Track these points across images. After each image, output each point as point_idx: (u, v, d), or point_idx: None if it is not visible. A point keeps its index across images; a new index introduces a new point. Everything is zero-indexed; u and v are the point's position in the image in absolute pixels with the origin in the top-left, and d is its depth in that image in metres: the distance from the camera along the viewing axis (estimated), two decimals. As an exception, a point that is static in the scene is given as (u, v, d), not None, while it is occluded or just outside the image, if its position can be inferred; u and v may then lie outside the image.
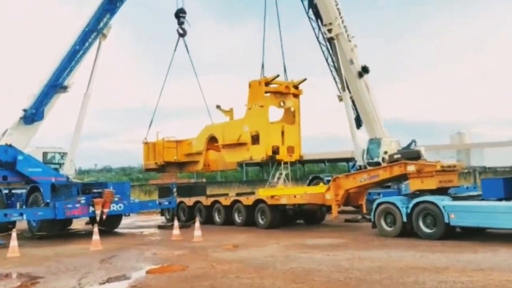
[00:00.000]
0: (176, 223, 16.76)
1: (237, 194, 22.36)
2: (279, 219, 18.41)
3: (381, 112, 25.26)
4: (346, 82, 24.31)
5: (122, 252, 13.57)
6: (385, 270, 9.17)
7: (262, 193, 19.65)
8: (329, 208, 17.62)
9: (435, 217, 13.24)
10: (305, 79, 20.26)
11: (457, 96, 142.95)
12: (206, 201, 21.25)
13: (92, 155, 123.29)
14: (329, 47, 25.06)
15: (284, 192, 19.12)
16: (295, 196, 17.62)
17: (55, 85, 20.67)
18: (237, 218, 19.64)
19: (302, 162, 63.93)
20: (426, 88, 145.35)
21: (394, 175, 15.36)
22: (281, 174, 22.15)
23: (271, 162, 20.14)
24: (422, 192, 14.23)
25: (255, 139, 19.59)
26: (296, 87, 20.25)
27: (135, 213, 20.32)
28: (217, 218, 20.55)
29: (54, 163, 21.71)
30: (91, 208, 17.77)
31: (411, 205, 13.83)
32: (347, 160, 64.88)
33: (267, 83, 19.53)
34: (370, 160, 23.02)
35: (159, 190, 27.57)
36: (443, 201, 13.29)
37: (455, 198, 13.88)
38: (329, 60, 25.61)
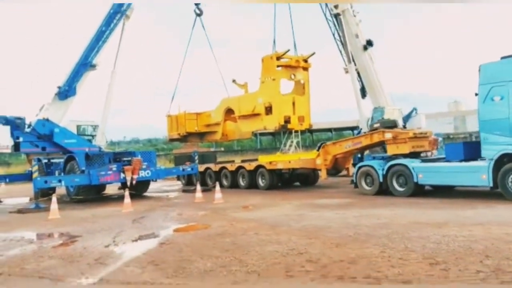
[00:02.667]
0: (198, 187, 16.79)
1: (242, 161, 22.68)
2: (277, 181, 19.62)
3: (384, 82, 24.78)
4: (352, 55, 23.79)
5: (151, 213, 13.65)
6: (391, 226, 9.09)
7: (262, 159, 20.40)
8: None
9: (406, 177, 14.05)
10: (313, 53, 19.88)
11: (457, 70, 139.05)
12: (215, 167, 21.75)
13: (122, 127, 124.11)
14: (335, 22, 24.43)
15: (280, 158, 20.00)
16: (289, 162, 18.75)
17: (85, 64, 20.53)
18: (242, 182, 20.50)
19: (311, 131, 63.70)
20: (428, 63, 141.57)
21: (374, 142, 16.32)
22: (292, 142, 22.10)
23: (283, 131, 19.97)
24: (397, 156, 15.08)
25: (268, 110, 19.40)
26: (305, 60, 19.89)
27: (161, 178, 20.41)
28: (224, 182, 21.26)
29: (87, 135, 21.75)
30: (122, 175, 17.90)
31: (386, 167, 14.62)
32: (352, 128, 64.62)
33: (278, 58, 19.19)
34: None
35: (175, 159, 27.78)
36: (412, 163, 14.07)
37: (424, 160, 14.58)
38: (336, 35, 25.05)
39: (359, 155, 23.91)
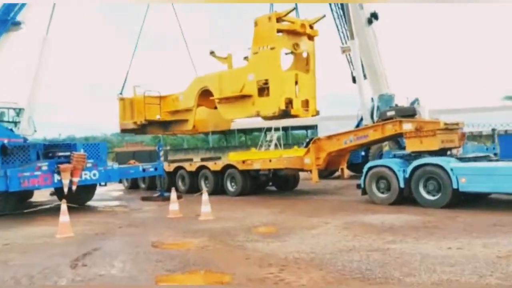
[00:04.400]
0: (173, 194, 11.39)
1: (202, 159, 18.56)
2: (250, 185, 15.27)
3: (388, 67, 20.48)
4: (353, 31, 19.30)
5: (107, 243, 8.20)
6: None
7: (233, 157, 16.79)
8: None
9: (441, 182, 10.32)
10: (323, 16, 14.99)
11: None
12: (168, 167, 16.93)
13: (57, 125, 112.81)
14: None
15: (258, 156, 16.65)
16: (270, 161, 14.63)
17: (4, 20, 14.43)
18: (204, 186, 15.82)
19: (285, 129, 58.82)
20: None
21: (386, 135, 12.51)
22: (272, 137, 17.37)
23: (283, 117, 14.95)
24: (420, 154, 11.39)
25: (264, 90, 14.31)
26: (311, 26, 14.96)
27: (114, 182, 14.70)
28: (181, 185, 16.89)
29: (8, 122, 15.61)
30: (56, 177, 12.22)
31: (410, 168, 10.88)
32: (307, 128, 60.84)
33: (279, 19, 14.14)
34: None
35: (117, 157, 22.33)
36: (450, 163, 10.32)
37: (462, 159, 10.96)
38: (333, 6, 20.45)
39: (362, 153, 19.49)
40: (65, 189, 12.36)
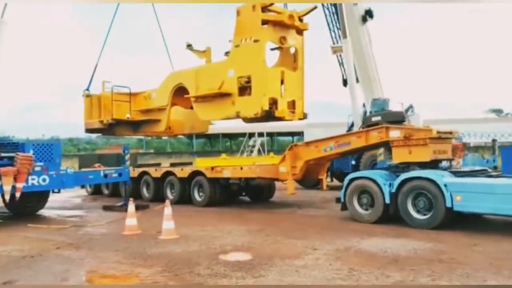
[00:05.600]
0: (131, 206, 9.45)
1: (172, 165, 16.57)
2: (219, 195, 13.52)
3: (381, 70, 18.93)
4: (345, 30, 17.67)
5: (26, 271, 6.27)
6: None
7: (200, 163, 15.18)
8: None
9: (432, 199, 8.78)
10: (314, 7, 13.26)
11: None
12: (133, 172, 14.97)
13: (41, 125, 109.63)
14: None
15: (228, 162, 14.88)
16: (241, 168, 12.88)
17: None
18: (169, 194, 14.35)
19: (270, 134, 56.66)
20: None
21: (371, 143, 10.87)
22: (255, 142, 15.60)
23: (267, 119, 13.16)
24: (408, 166, 9.95)
25: (245, 88, 12.53)
26: (300, 19, 13.23)
27: (68, 188, 12.69)
28: (145, 192, 15.27)
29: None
30: (-4, 182, 10.18)
31: (397, 182, 9.31)
32: (293, 134, 59.01)
33: (264, 9, 12.38)
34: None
35: (80, 161, 20.40)
36: (443, 178, 8.75)
37: (457, 173, 9.27)
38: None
39: (353, 161, 17.77)
40: (6, 197, 10.41)
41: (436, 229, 8.51)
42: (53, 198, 15.68)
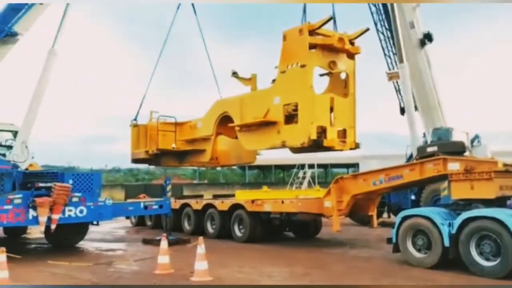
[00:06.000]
0: (164, 243, 8.72)
1: (214, 196, 15.88)
2: (261, 230, 12.59)
3: (443, 96, 17.44)
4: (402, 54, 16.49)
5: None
6: None
7: (240, 196, 14.04)
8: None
9: (501, 244, 7.44)
10: (367, 30, 12.32)
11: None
12: (174, 204, 14.50)
13: (105, 157, 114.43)
14: (380, 6, 17.23)
15: (269, 195, 13.71)
16: (282, 202, 11.80)
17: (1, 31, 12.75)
18: (210, 227, 13.73)
19: (324, 166, 54.83)
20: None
21: (426, 177, 9.67)
22: (305, 174, 14.53)
23: (315, 149, 12.20)
24: (469, 203, 8.61)
25: (291, 116, 11.70)
26: (351, 42, 12.34)
27: (107, 220, 12.22)
28: (186, 225, 14.61)
29: (1, 145, 13.66)
30: (32, 213, 9.90)
31: (458, 222, 8.07)
32: (348, 166, 56.97)
33: (312, 32, 11.62)
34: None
35: (126, 191, 20.09)
36: None
37: None
38: (379, 24, 17.82)
39: (412, 196, 16.20)
40: (42, 228, 10.14)
41: (506, 279, 7.14)
42: (96, 230, 15.52)
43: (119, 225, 18.19)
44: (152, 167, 60.52)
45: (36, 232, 14.25)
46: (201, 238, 7.94)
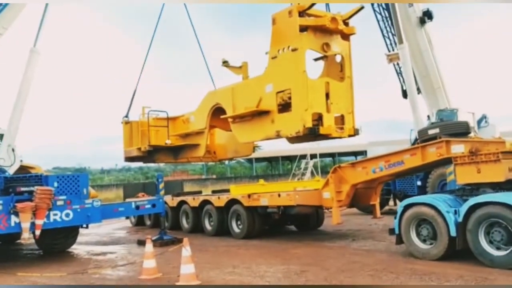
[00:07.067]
0: (149, 246, 8.09)
1: (213, 192, 15.36)
2: (259, 225, 11.99)
3: (446, 76, 16.58)
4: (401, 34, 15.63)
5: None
6: None
7: (235, 190, 13.05)
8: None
9: (511, 230, 6.78)
10: (361, 8, 11.49)
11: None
12: (172, 201, 14.10)
13: (115, 157, 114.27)
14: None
15: (265, 189, 12.95)
16: (279, 195, 11.09)
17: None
18: (208, 225, 13.16)
19: (332, 155, 53.67)
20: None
21: (428, 162, 8.98)
22: (307, 164, 13.84)
23: (311, 138, 11.49)
24: (477, 188, 7.96)
25: (285, 104, 11.00)
26: (346, 22, 11.55)
27: (96, 223, 11.63)
28: (184, 223, 14.11)
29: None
30: (14, 219, 9.33)
31: (464, 209, 7.37)
32: (356, 154, 55.98)
33: (302, 13, 10.86)
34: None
35: (124, 190, 19.54)
36: None
37: None
38: (376, 6, 16.97)
39: (418, 182, 15.45)
40: (25, 235, 9.51)
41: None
42: (95, 232, 15.07)
43: (119, 225, 17.68)
44: (162, 164, 60.37)
45: (30, 238, 13.77)
46: (186, 240, 7.29)
